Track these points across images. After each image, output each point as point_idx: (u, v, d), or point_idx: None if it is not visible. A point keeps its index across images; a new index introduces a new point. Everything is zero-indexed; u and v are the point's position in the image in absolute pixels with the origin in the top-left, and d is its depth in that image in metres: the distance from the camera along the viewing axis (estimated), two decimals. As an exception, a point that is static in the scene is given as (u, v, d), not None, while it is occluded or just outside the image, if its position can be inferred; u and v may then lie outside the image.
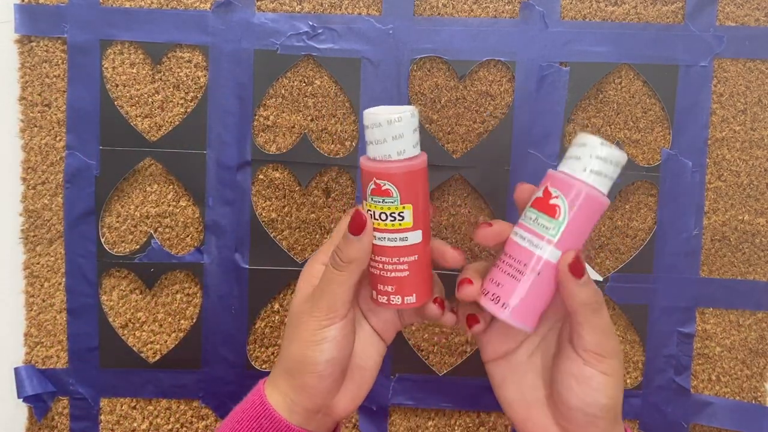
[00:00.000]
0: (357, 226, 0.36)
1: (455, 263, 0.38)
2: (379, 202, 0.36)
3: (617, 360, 0.37)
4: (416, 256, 0.37)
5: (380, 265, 0.37)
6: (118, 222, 0.54)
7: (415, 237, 0.36)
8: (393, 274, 0.37)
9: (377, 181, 0.36)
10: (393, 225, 0.36)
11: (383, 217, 0.36)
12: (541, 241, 0.36)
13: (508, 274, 0.36)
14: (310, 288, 0.39)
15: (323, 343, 0.37)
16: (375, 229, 0.36)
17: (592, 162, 0.35)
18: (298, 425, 0.38)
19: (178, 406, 0.55)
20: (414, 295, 0.37)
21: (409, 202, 0.36)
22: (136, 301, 0.55)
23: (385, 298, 0.37)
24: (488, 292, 0.37)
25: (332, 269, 0.37)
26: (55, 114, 0.54)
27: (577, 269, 0.35)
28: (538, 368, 0.40)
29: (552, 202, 0.35)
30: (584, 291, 0.35)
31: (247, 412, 0.38)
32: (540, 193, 0.36)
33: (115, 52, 0.53)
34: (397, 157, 0.35)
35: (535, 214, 0.36)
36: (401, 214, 0.36)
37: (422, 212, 0.37)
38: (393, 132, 0.35)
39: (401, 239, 0.36)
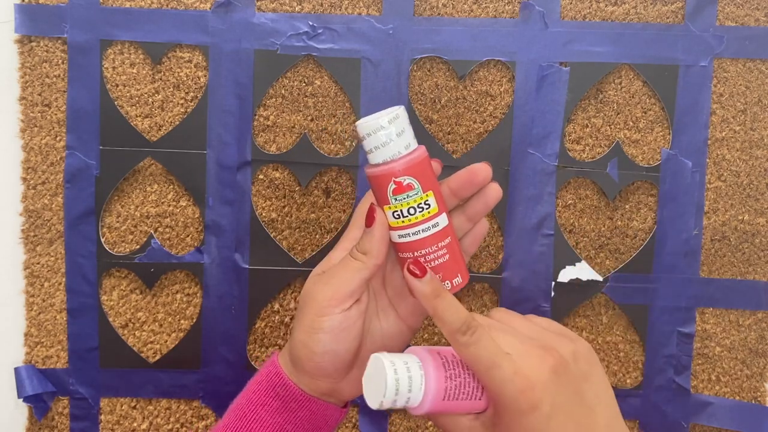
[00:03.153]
0: (368, 219, 0.37)
1: (486, 174, 0.39)
2: (404, 198, 0.37)
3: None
4: (449, 238, 0.38)
5: (422, 258, 0.38)
6: (118, 222, 0.54)
7: (443, 220, 0.37)
8: (437, 262, 0.38)
9: (397, 180, 0.36)
10: (423, 215, 0.37)
11: (411, 211, 0.37)
12: None
13: None
14: (325, 267, 0.40)
15: (320, 333, 0.37)
16: (408, 226, 0.37)
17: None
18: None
19: (178, 406, 0.55)
20: (459, 275, 0.38)
21: (429, 189, 0.37)
22: (136, 301, 0.55)
23: None
24: None
25: (349, 256, 0.38)
26: (55, 114, 0.54)
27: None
28: None
29: None
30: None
31: (261, 384, 0.40)
32: None
33: (115, 52, 0.53)
34: (406, 151, 0.36)
35: None
36: (427, 202, 0.37)
37: (440, 196, 0.38)
38: (396, 130, 0.36)
39: (433, 226, 0.37)
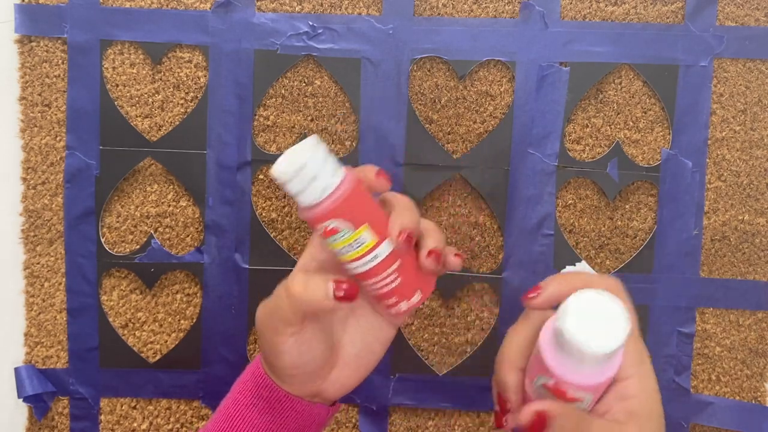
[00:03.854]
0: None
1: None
2: (334, 240, 0.35)
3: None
4: (398, 261, 0.36)
5: (374, 286, 0.36)
6: (118, 222, 0.54)
7: (386, 248, 0.35)
8: (388, 288, 0.36)
9: (321, 226, 0.35)
10: (360, 251, 0.35)
11: (346, 249, 0.35)
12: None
13: None
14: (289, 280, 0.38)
15: (281, 354, 0.36)
16: (349, 261, 0.36)
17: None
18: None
19: (178, 406, 0.55)
20: (417, 291, 0.37)
21: (362, 222, 0.34)
22: (136, 301, 0.55)
23: (395, 309, 0.37)
24: None
25: (283, 287, 0.36)
26: (55, 114, 0.54)
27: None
28: None
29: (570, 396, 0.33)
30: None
31: (246, 384, 0.39)
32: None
33: (115, 52, 0.53)
34: (323, 195, 0.34)
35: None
36: (358, 240, 0.35)
37: (378, 221, 0.35)
38: (307, 177, 0.33)
39: (373, 258, 0.35)
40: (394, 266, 0.36)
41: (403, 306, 0.37)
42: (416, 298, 0.37)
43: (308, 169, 0.33)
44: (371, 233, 0.35)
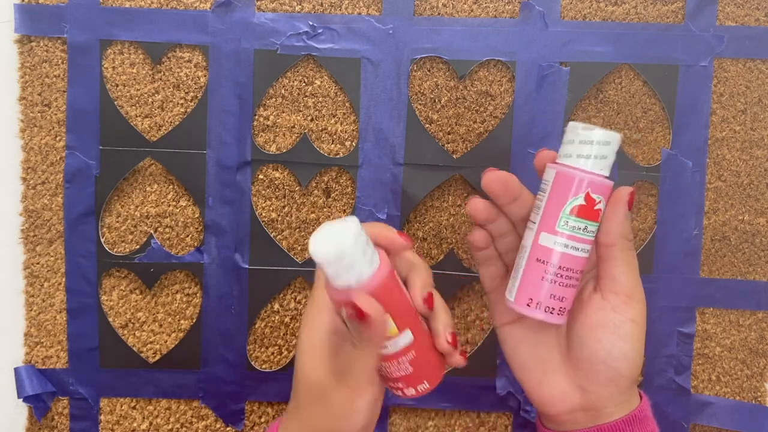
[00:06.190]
0: (359, 317, 0.33)
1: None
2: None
3: (643, 307, 0.37)
4: (413, 352, 0.36)
5: (386, 369, 0.37)
6: (118, 222, 0.54)
7: (405, 338, 0.36)
8: (398, 374, 0.37)
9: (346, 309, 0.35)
10: None
11: None
12: (590, 246, 0.37)
13: (567, 285, 0.37)
14: (321, 349, 0.37)
15: (356, 414, 0.36)
16: None
17: (611, 158, 0.36)
18: None
19: (178, 406, 0.55)
20: (425, 381, 0.38)
21: (386, 311, 0.35)
22: (136, 301, 0.55)
23: (400, 392, 0.38)
24: (553, 309, 0.37)
25: (352, 349, 0.35)
26: (55, 114, 0.54)
27: (632, 201, 0.37)
28: (554, 327, 0.40)
29: (597, 207, 0.37)
30: (627, 224, 0.37)
31: None
32: (582, 201, 0.36)
33: (115, 52, 0.53)
34: (357, 282, 0.33)
35: (584, 223, 0.36)
36: None
37: (403, 311, 0.36)
38: (344, 264, 0.33)
39: (392, 346, 0.36)
40: (409, 356, 0.36)
41: (409, 392, 0.38)
42: (423, 386, 0.38)
43: (347, 258, 0.32)
44: (392, 324, 0.35)
